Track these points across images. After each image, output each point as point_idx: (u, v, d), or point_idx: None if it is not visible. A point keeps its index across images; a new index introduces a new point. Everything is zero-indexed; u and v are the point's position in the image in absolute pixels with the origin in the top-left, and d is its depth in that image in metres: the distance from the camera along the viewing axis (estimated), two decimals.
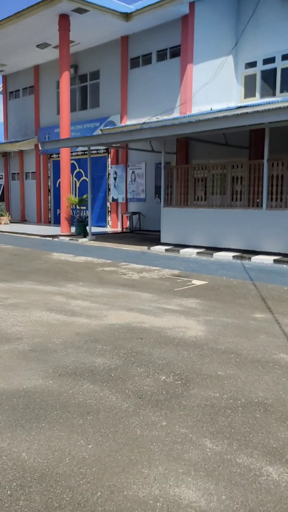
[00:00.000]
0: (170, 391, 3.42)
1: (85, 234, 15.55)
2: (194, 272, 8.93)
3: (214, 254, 10.89)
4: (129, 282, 7.90)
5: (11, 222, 22.04)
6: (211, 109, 15.58)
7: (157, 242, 13.40)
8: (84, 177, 20.41)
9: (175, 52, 16.38)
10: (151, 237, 15.62)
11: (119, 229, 18.68)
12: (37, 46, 18.86)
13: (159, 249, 12.06)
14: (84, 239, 14.43)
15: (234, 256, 10.55)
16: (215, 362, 4.06)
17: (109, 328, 5.09)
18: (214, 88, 16.46)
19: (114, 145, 15.91)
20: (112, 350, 4.36)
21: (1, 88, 24.77)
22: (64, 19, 15.86)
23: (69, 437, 2.75)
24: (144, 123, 16.36)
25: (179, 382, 3.60)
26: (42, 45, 18.74)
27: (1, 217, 21.52)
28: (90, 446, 2.65)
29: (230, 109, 13.91)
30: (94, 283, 7.79)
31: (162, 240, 12.65)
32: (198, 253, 11.20)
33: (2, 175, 25.27)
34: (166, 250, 11.85)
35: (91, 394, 3.37)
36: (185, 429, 2.85)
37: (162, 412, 3.08)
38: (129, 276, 8.53)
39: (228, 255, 10.65)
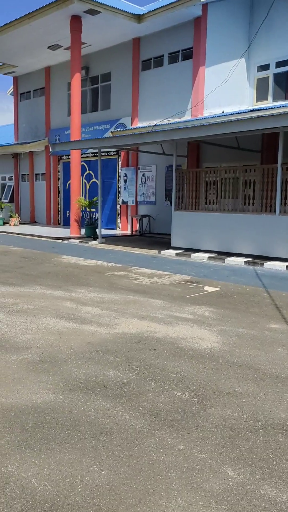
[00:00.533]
0: (186, 410, 3.26)
1: (94, 237, 15.43)
2: (206, 278, 8.75)
3: (225, 259, 10.70)
4: (140, 288, 7.74)
5: (20, 224, 22.01)
6: (223, 112, 15.42)
7: (168, 245, 13.23)
8: (94, 179, 20.32)
9: (187, 54, 16.23)
10: (161, 240, 15.46)
11: (128, 231, 18.54)
12: (49, 47, 18.80)
13: (169, 253, 11.90)
14: (94, 242, 14.31)
15: (246, 262, 10.36)
16: (232, 377, 3.89)
17: (121, 338, 4.93)
18: (226, 91, 16.28)
19: (125, 147, 15.78)
20: (124, 362, 4.20)
21: (12, 90, 24.77)
22: (76, 20, 15.77)
23: (81, 461, 2.59)
24: (155, 125, 16.22)
25: (196, 399, 3.43)
26: (54, 47, 18.68)
27: (11, 219, 21.48)
28: (103, 472, 2.49)
29: (243, 112, 13.72)
30: (104, 288, 7.65)
31: (173, 244, 12.48)
32: (209, 257, 11.02)
33: (12, 176, 25.27)
34: (177, 254, 11.68)
35: (104, 412, 3.21)
36: (204, 454, 2.69)
37: (179, 434, 2.92)
38: (139, 281, 8.38)
39: (240, 261, 10.46)
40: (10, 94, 26.64)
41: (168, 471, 2.50)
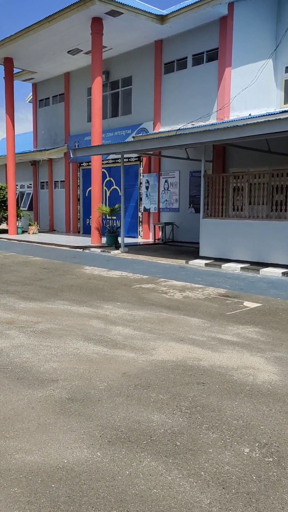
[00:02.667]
0: (261, 476, 2.52)
1: (116, 246, 14.78)
2: (242, 292, 7.98)
3: (260, 270, 9.91)
4: (173, 303, 7.02)
5: (39, 232, 21.52)
6: (250, 114, 14.68)
7: (195, 255, 12.50)
8: (114, 186, 19.73)
9: (212, 55, 15.56)
10: (187, 249, 14.73)
11: (150, 240, 17.86)
12: (68, 52, 18.36)
13: (198, 263, 11.15)
14: (116, 251, 13.65)
15: (284, 273, 9.55)
16: None
17: (161, 367, 4.21)
18: (252, 93, 15.56)
19: (147, 152, 15.15)
20: (170, 401, 3.48)
21: (31, 97, 24.45)
22: (97, 22, 15.27)
23: None
24: (179, 129, 15.57)
25: (270, 459, 2.69)
26: (73, 51, 18.23)
27: (30, 227, 21.01)
28: None
29: (271, 114, 12.98)
30: (133, 304, 6.95)
31: (201, 254, 11.74)
32: (242, 268, 10.24)
33: (31, 184, 24.88)
34: (206, 264, 10.93)
35: (156, 478, 2.49)
36: None
37: None
38: (170, 295, 7.66)
39: (277, 272, 9.66)
40: (29, 101, 26.34)
41: None
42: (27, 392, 3.64)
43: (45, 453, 2.75)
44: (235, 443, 2.86)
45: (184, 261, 11.62)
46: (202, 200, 11.61)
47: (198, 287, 8.36)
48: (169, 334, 5.33)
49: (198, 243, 15.55)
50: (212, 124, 14.43)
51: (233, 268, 10.35)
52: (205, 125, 14.50)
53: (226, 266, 10.52)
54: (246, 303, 7.07)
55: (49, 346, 4.82)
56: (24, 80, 22.87)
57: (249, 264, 10.50)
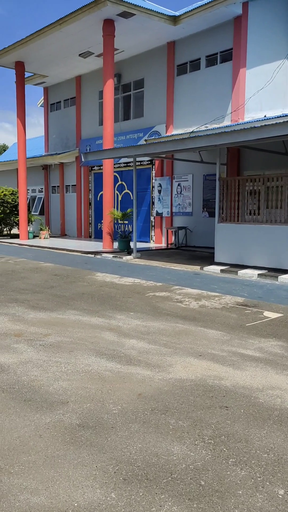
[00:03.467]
0: None
1: (129, 251, 14.49)
2: (262, 301, 7.62)
3: (279, 277, 9.53)
4: (189, 313, 6.69)
5: (50, 237, 21.34)
6: (265, 116, 14.30)
7: (209, 261, 12.15)
8: (126, 190, 19.47)
9: (226, 56, 15.24)
10: (201, 254, 14.38)
11: (163, 245, 17.54)
12: (80, 55, 18.18)
13: (213, 269, 10.80)
14: (128, 257, 13.35)
15: None
16: None
17: (179, 387, 3.89)
18: (267, 94, 15.19)
19: (160, 155, 14.85)
20: (191, 429, 3.15)
21: (43, 101, 24.35)
22: (108, 24, 15.05)
23: None
24: (192, 132, 15.26)
25: None
26: (85, 54, 18.04)
27: (41, 232, 20.83)
28: None
29: (287, 116, 12.61)
30: (147, 314, 6.63)
31: (216, 259, 11.38)
32: (259, 275, 9.86)
33: (42, 188, 24.75)
34: (222, 271, 10.57)
35: None
36: None
37: None
38: (186, 304, 7.33)
39: None
40: (41, 106, 26.28)
41: None
42: (35, 416, 3.34)
43: (53, 493, 2.44)
44: (267, 483, 2.53)
45: (199, 267, 11.27)
46: (217, 204, 11.26)
47: (215, 296, 8.01)
48: (186, 349, 5.01)
49: (212, 248, 15.21)
50: (226, 126, 14.09)
51: (250, 274, 9.98)
52: (219, 128, 14.17)
53: (242, 272, 10.15)
54: (266, 313, 6.71)
55: (59, 362, 4.52)
56: (35, 84, 22.78)
57: (266, 271, 10.12)
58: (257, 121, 13.28)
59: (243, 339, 5.38)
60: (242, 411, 3.44)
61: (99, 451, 2.87)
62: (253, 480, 2.55)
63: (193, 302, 7.47)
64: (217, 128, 14.22)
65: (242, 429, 3.16)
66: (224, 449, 2.88)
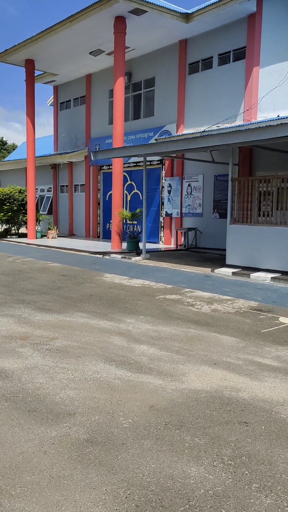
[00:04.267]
0: None
1: (138, 252, 14.25)
2: (276, 305, 7.33)
3: None
4: (201, 318, 6.43)
5: (58, 236, 21.16)
6: (278, 116, 14.00)
7: (220, 263, 11.87)
8: (135, 190, 19.23)
9: (239, 55, 14.95)
10: (211, 256, 14.10)
11: (172, 245, 17.27)
12: (90, 53, 17.97)
13: (224, 272, 10.52)
14: (137, 258, 13.10)
15: None
16: None
17: (194, 399, 3.63)
18: (282, 93, 14.88)
19: (171, 155, 14.59)
20: (209, 447, 2.90)
21: (52, 100, 24.19)
22: (120, 21, 14.82)
23: None
24: (203, 131, 14.97)
25: None
26: (95, 52, 17.83)
27: (49, 231, 20.65)
28: None
29: None
30: (158, 318, 6.38)
31: (228, 262, 11.09)
32: (272, 278, 9.57)
33: (50, 188, 24.59)
34: (234, 273, 10.29)
35: None
36: None
37: None
38: (198, 308, 7.07)
39: None
40: (50, 105, 26.16)
41: None
42: (40, 429, 3.11)
43: None
44: None
45: (210, 269, 10.99)
46: (229, 205, 10.98)
47: (227, 299, 7.74)
48: (200, 356, 4.75)
49: (223, 249, 14.92)
50: (239, 125, 13.80)
51: (262, 278, 9.69)
52: (231, 127, 13.88)
53: (255, 275, 9.87)
54: (282, 319, 6.43)
55: (66, 369, 4.29)
56: (45, 83, 22.61)
57: (280, 274, 9.82)
58: (270, 120, 12.98)
59: (259, 347, 5.11)
60: (263, 427, 3.18)
61: (108, 471, 2.62)
62: (279, 510, 2.29)
63: (205, 306, 7.21)
64: (229, 127, 13.93)
65: (264, 448, 2.90)
66: (246, 472, 2.63)
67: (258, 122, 13.38)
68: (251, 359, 4.67)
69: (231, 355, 4.81)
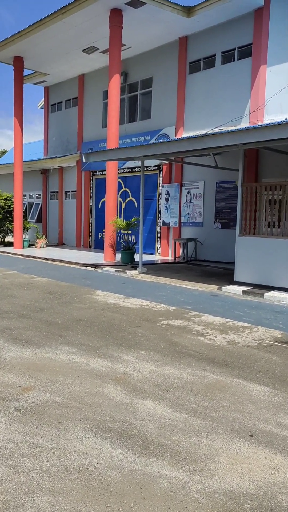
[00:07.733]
0: None
1: (133, 264, 12.93)
2: None
3: None
4: (217, 354, 5.12)
5: (47, 246, 19.77)
6: (286, 119, 12.84)
7: (226, 278, 10.59)
8: (130, 198, 17.96)
9: (245, 52, 13.81)
10: (214, 270, 12.81)
11: (169, 257, 15.98)
12: (83, 50, 16.75)
13: (233, 290, 9.23)
14: (133, 271, 11.77)
15: None
16: None
17: (236, 511, 2.31)
18: None
19: (170, 158, 13.34)
20: None
21: (43, 103, 22.93)
22: (116, 14, 13.62)
23: None
24: (206, 134, 13.75)
25: None
26: (89, 49, 16.62)
27: (37, 240, 19.27)
28: None
29: None
30: (163, 354, 5.06)
31: (237, 278, 9.81)
32: None
33: (40, 194, 23.24)
34: (244, 292, 9.00)
35: None
36: None
37: None
38: (210, 339, 5.75)
39: None
40: (41, 107, 24.88)
41: None
42: None
43: None
44: None
45: (216, 286, 9.68)
46: (238, 214, 9.72)
47: (244, 327, 6.44)
48: (227, 421, 3.43)
49: (226, 263, 13.67)
50: (244, 128, 12.60)
51: (279, 298, 8.41)
52: (235, 130, 12.67)
53: (269, 295, 8.58)
54: None
55: (40, 448, 2.94)
56: (36, 83, 21.35)
57: None
58: (278, 123, 11.80)
59: None
60: None
61: None
62: None
63: (218, 336, 5.90)
64: (233, 130, 12.72)
65: None
66: None
67: (264, 125, 12.18)
68: None
69: (270, 418, 3.50)
